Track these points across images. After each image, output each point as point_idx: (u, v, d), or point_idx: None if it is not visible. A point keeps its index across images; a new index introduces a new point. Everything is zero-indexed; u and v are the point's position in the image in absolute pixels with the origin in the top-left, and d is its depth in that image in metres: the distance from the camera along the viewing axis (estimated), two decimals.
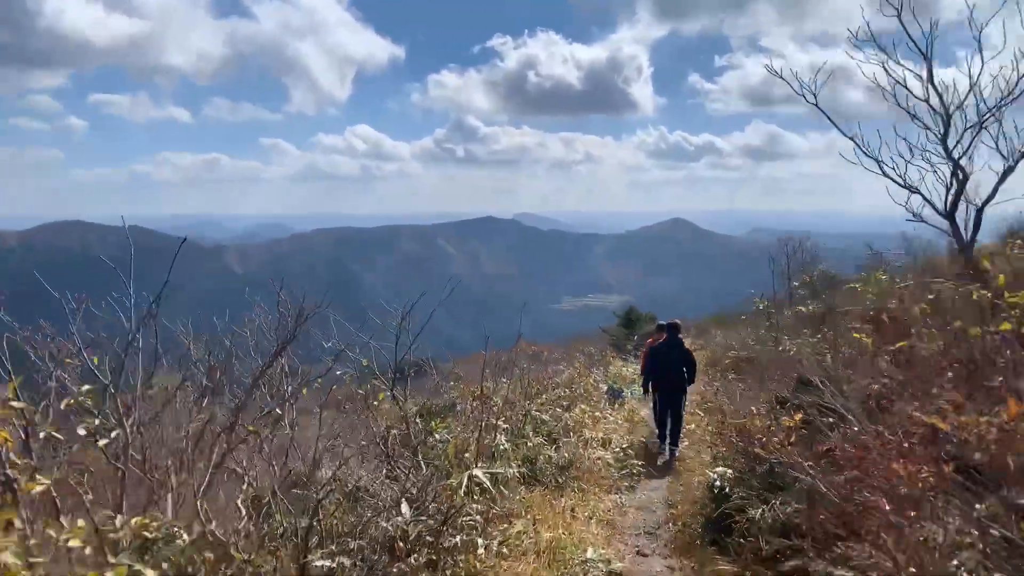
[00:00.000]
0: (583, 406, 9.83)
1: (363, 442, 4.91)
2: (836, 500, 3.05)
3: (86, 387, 2.73)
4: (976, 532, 2.03)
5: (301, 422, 5.12)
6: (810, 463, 3.52)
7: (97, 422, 2.66)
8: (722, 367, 11.81)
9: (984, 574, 2.05)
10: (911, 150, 3.75)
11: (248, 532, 4.26)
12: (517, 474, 5.65)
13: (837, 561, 2.59)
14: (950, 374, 2.54)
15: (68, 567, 2.30)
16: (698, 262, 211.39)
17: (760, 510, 4.12)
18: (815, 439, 3.82)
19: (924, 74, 4.15)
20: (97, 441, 2.67)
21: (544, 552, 4.70)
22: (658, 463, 8.70)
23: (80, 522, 2.47)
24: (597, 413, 10.02)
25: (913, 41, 4.10)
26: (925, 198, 3.82)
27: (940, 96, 4.06)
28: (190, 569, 2.91)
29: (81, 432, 2.55)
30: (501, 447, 5.63)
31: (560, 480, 6.62)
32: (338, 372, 4.79)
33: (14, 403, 2.33)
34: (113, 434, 2.70)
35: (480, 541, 4.33)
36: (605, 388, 12.21)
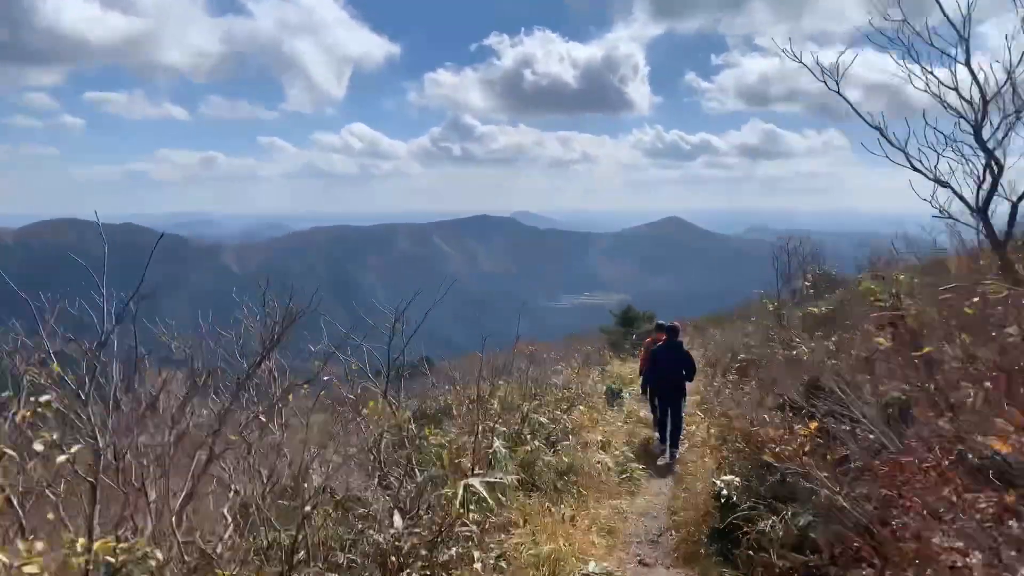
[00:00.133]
0: (582, 408, 9.65)
1: (353, 449, 4.69)
2: (857, 515, 2.84)
3: (44, 397, 2.50)
4: None
5: (292, 425, 4.91)
6: (826, 474, 3.32)
7: (55, 435, 2.43)
8: (723, 367, 11.63)
9: None
10: (945, 140, 3.54)
11: (234, 544, 4.05)
12: (515, 481, 5.44)
13: None
14: (988, 384, 2.34)
15: None
16: (695, 261, 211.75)
17: (770, 521, 3.92)
18: (830, 448, 3.62)
19: (962, 56, 3.94)
20: (63, 454, 2.44)
21: (543, 564, 4.50)
22: (658, 463, 8.55)
23: (39, 545, 2.26)
24: (596, 414, 9.84)
25: (949, 20, 3.86)
26: (956, 192, 3.61)
27: (977, 80, 3.85)
28: None
29: (37, 448, 2.33)
30: (499, 453, 5.41)
31: (559, 485, 6.41)
32: (325, 378, 4.55)
33: None
34: (73, 449, 2.48)
35: (477, 554, 4.12)
36: (604, 389, 12.04)
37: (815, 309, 5.69)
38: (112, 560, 2.33)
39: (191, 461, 3.96)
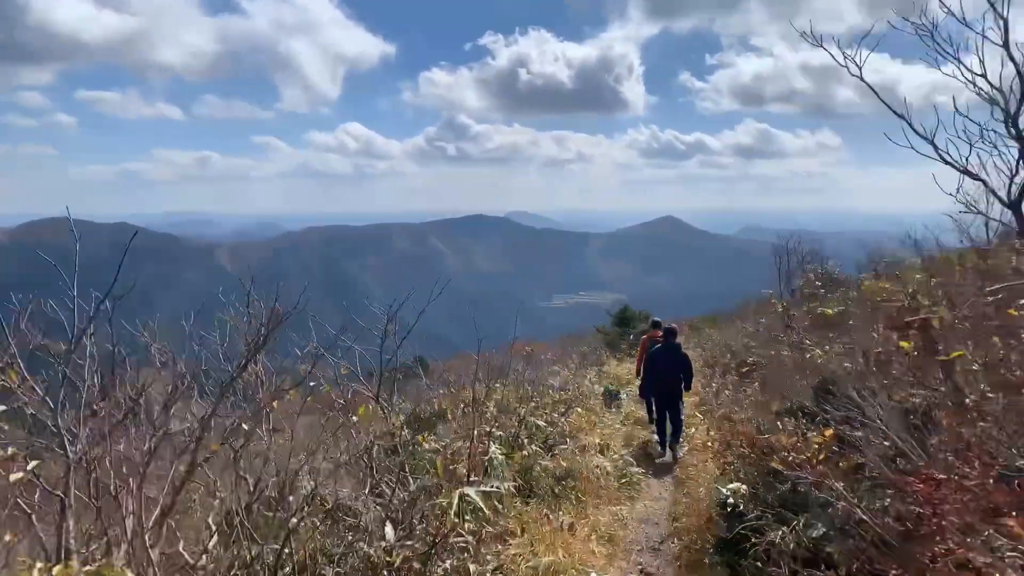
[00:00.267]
0: (579, 410, 9.48)
1: (343, 456, 4.49)
2: (877, 530, 2.66)
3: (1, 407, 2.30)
4: None
5: (280, 431, 4.72)
6: (842, 484, 3.14)
7: (11, 450, 2.23)
8: (723, 368, 11.47)
9: None
10: (980, 131, 3.33)
11: (218, 556, 3.86)
12: (512, 488, 5.25)
13: None
14: None
15: None
16: (691, 261, 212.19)
17: (780, 532, 3.73)
18: (844, 455, 3.44)
19: (1000, 38, 3.73)
20: (18, 470, 2.24)
21: None
22: (657, 464, 8.41)
23: None
24: (594, 417, 9.67)
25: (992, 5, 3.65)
26: (987, 185, 3.41)
27: (1016, 63, 3.65)
28: None
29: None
30: (495, 459, 5.22)
31: (557, 491, 6.22)
32: (311, 384, 4.35)
33: None
34: (31, 465, 2.27)
35: (472, 567, 3.93)
36: (601, 390, 11.87)
37: (827, 310, 5.50)
38: None
39: (172, 469, 3.77)
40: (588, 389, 11.60)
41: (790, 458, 3.25)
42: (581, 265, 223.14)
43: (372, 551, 3.82)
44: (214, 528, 3.88)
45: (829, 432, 3.07)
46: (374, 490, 4.62)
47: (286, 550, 3.41)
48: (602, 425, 9.47)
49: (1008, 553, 1.71)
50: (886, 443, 3.25)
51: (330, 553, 3.81)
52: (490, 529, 4.60)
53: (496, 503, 4.89)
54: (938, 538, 1.94)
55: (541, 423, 7.58)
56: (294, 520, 3.62)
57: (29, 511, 3.04)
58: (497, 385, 7.68)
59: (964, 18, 3.51)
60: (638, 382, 11.69)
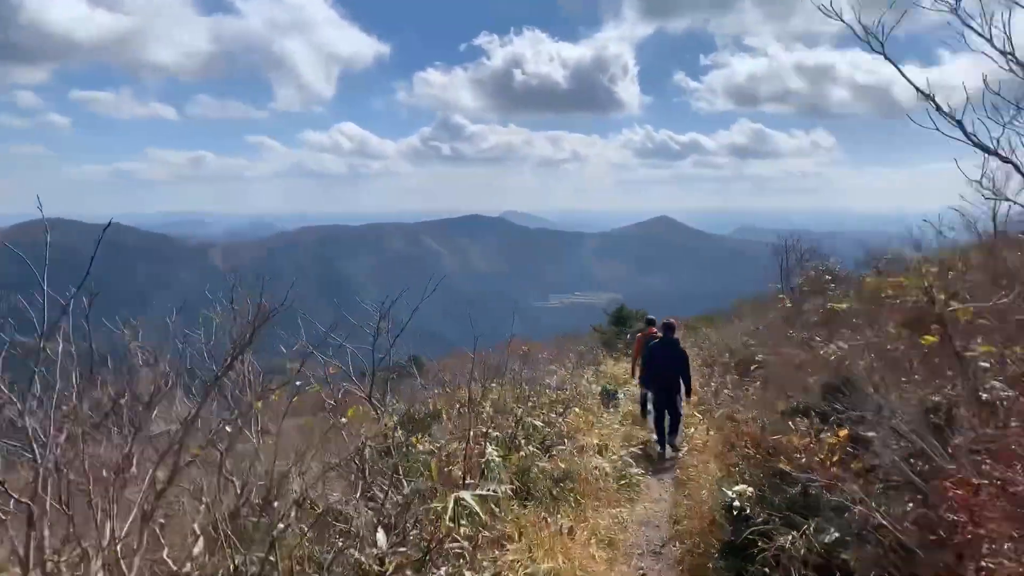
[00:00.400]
0: (577, 410, 9.33)
1: (335, 460, 4.31)
2: (899, 536, 2.50)
3: None
4: None
5: (268, 432, 4.54)
6: (856, 486, 2.98)
7: None
8: (722, 367, 11.33)
9: None
10: (1017, 106, 3.13)
11: (203, 564, 3.68)
12: (509, 491, 5.08)
13: None
14: None
15: None
16: (686, 260, 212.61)
17: (790, 537, 3.57)
18: (857, 457, 3.28)
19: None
20: None
21: None
22: (657, 464, 8.34)
23: None
24: (591, 417, 9.51)
25: None
26: (1019, 169, 3.23)
27: None
28: None
29: None
30: (492, 461, 5.05)
31: (555, 493, 6.06)
32: (299, 384, 4.18)
33: None
34: None
35: (468, 575, 3.76)
36: (599, 390, 11.73)
37: (837, 305, 5.35)
38: None
39: (151, 473, 3.59)
40: (585, 389, 11.46)
41: (803, 460, 3.09)
42: (576, 265, 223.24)
43: (363, 558, 3.65)
44: (200, 534, 3.72)
45: (844, 432, 2.92)
46: (366, 494, 4.44)
47: (270, 558, 3.23)
48: (600, 425, 9.32)
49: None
50: (903, 443, 3.09)
51: (319, 560, 3.64)
52: (487, 534, 4.43)
53: (493, 507, 4.72)
54: (976, 548, 1.79)
55: (538, 423, 7.41)
56: (280, 526, 3.45)
57: (4, 517, 2.87)
58: (493, 385, 7.52)
59: None
60: (635, 381, 11.60)
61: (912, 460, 3.06)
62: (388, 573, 3.57)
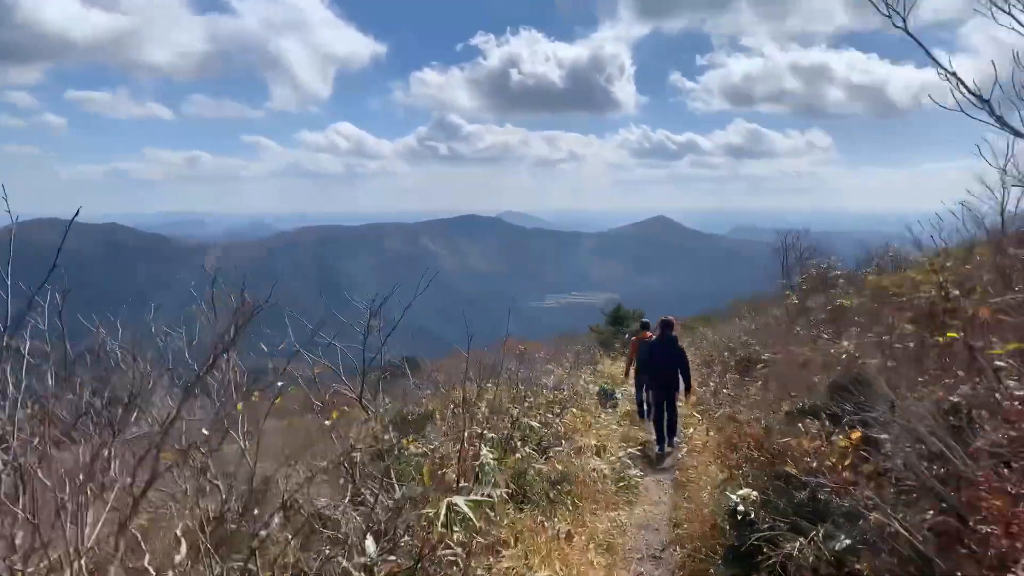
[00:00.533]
0: (574, 410, 9.18)
1: (323, 463, 4.14)
2: (918, 546, 2.34)
3: None
4: None
5: (253, 434, 4.38)
6: (868, 491, 2.82)
7: None
8: (722, 366, 11.17)
9: None
10: None
11: (186, 572, 3.52)
12: (504, 494, 4.91)
13: None
14: None
15: None
16: (683, 260, 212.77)
17: (798, 543, 3.41)
18: (868, 459, 3.12)
19: None
20: None
21: None
22: (655, 465, 8.24)
23: None
24: (589, 417, 9.37)
25: None
26: None
27: None
28: None
29: None
30: (487, 464, 4.88)
31: (552, 496, 5.90)
32: (281, 384, 4.01)
33: None
34: None
35: None
36: (596, 390, 11.59)
37: (845, 301, 5.19)
38: None
39: (129, 477, 3.43)
40: (583, 389, 11.32)
41: (813, 464, 2.94)
42: (573, 265, 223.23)
43: (351, 566, 3.48)
44: (183, 539, 3.56)
45: (856, 434, 2.76)
46: (355, 498, 4.27)
47: (250, 567, 3.06)
48: (598, 426, 9.17)
49: None
50: (918, 446, 2.93)
51: (304, 569, 3.47)
52: (481, 540, 4.26)
53: (488, 511, 4.55)
54: (1012, 562, 1.63)
55: (535, 424, 7.25)
56: (263, 532, 3.29)
57: None
58: (489, 385, 7.35)
59: None
60: (629, 382, 11.49)
61: (929, 463, 2.90)
62: None
